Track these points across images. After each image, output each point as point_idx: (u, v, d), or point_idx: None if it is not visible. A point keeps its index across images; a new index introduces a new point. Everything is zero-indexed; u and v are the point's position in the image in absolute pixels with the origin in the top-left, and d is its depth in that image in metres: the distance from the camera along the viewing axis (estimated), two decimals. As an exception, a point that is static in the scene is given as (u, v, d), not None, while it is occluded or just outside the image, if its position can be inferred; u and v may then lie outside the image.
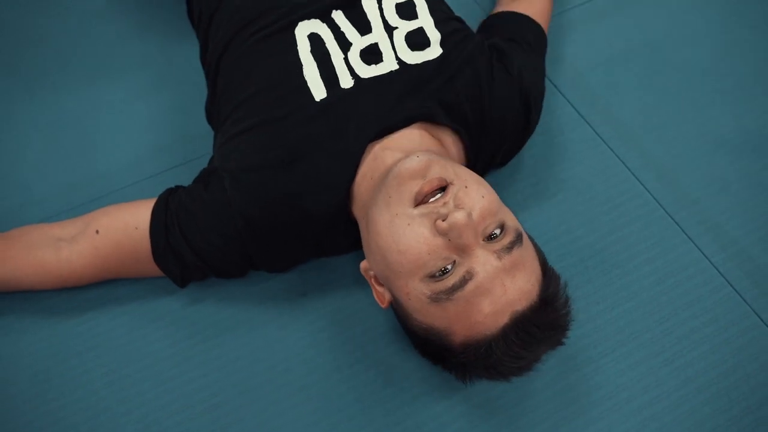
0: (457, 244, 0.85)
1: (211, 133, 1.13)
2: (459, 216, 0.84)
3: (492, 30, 1.20)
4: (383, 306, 0.97)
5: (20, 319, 1.09)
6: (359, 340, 1.08)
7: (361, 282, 1.10)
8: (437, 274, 0.86)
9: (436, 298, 0.87)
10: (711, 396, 1.04)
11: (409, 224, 0.87)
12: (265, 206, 0.99)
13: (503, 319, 0.86)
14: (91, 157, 1.24)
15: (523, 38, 1.18)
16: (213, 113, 1.11)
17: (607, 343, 1.08)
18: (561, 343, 0.92)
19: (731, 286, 1.13)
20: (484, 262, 0.86)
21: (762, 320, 1.10)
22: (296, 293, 1.11)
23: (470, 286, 0.85)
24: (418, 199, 0.88)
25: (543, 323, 0.87)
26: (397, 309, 0.96)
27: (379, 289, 0.97)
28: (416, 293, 0.88)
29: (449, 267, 0.86)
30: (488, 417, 1.02)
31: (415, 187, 0.88)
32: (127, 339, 1.08)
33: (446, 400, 1.03)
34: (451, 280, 0.86)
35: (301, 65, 1.01)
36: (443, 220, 0.85)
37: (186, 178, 1.10)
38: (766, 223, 1.20)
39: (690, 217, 1.20)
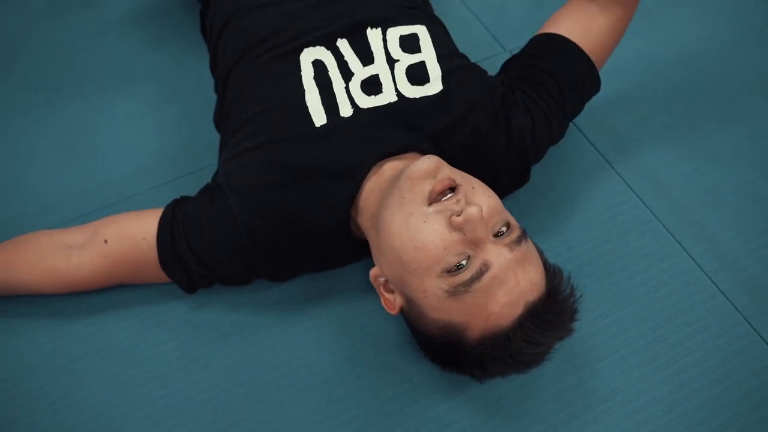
0: (471, 238, 0.88)
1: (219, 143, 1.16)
2: (474, 210, 0.87)
3: (534, 59, 1.14)
4: (393, 313, 0.98)
5: (27, 322, 1.10)
6: (361, 344, 1.09)
7: (363, 288, 1.11)
8: (454, 268, 0.89)
9: (455, 292, 0.89)
10: (703, 401, 1.06)
11: (425, 221, 0.89)
12: (268, 220, 1.01)
13: (518, 310, 0.89)
14: (100, 166, 1.26)
15: (558, 85, 1.12)
16: (221, 124, 1.13)
17: (602, 348, 1.09)
18: (571, 331, 0.94)
19: (724, 295, 1.15)
20: (497, 254, 0.89)
21: (753, 328, 1.12)
22: (300, 299, 1.13)
23: (487, 277, 0.88)
24: (431, 198, 0.90)
25: (554, 311, 0.91)
26: (409, 312, 0.97)
27: (389, 296, 0.98)
28: (433, 289, 0.90)
29: (464, 262, 0.88)
30: (488, 419, 1.04)
31: (427, 186, 0.91)
32: (132, 342, 1.09)
33: (447, 403, 1.05)
34: (468, 273, 0.88)
35: (304, 91, 1.02)
36: (458, 216, 0.88)
37: (194, 188, 1.11)
38: (759, 234, 1.22)
39: (684, 228, 1.22)
